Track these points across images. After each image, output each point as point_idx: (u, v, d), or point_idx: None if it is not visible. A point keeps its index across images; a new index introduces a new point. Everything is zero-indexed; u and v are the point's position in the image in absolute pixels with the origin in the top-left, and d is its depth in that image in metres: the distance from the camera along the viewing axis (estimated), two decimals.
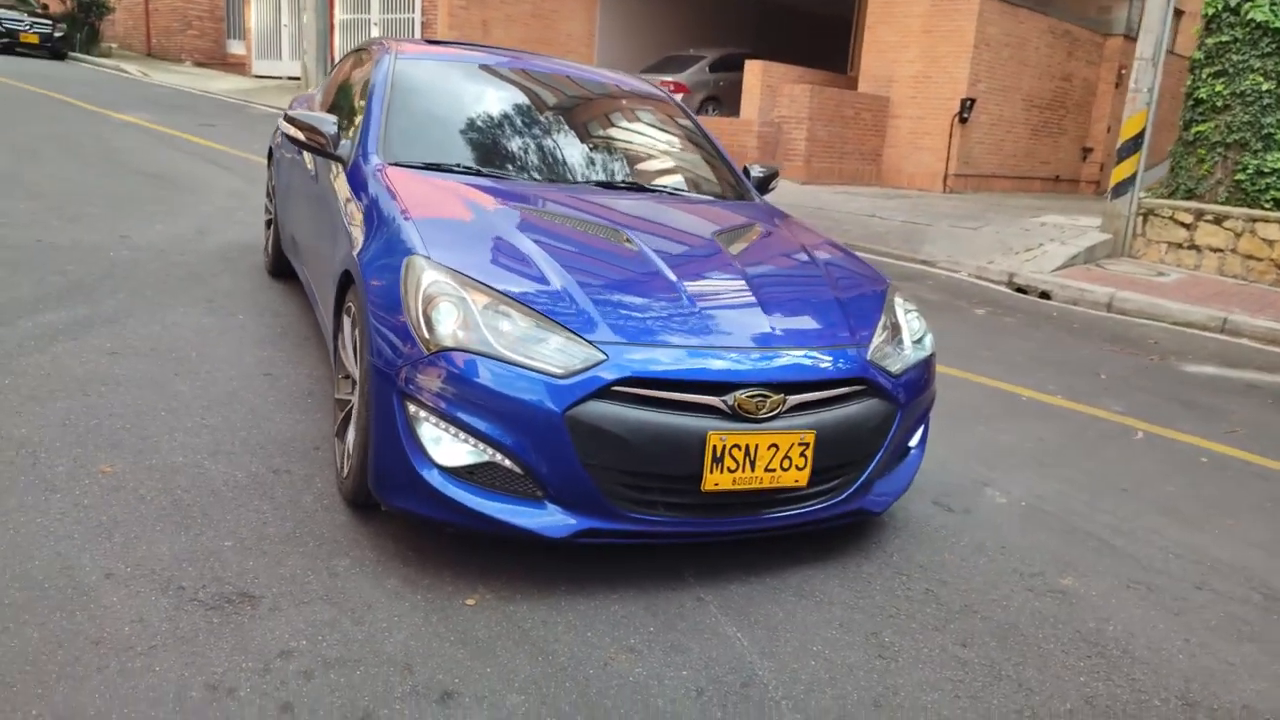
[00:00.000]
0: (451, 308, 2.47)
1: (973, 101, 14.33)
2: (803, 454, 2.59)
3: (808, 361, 2.68)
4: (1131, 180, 9.70)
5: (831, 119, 14.31)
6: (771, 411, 2.54)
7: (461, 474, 2.47)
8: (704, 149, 4.21)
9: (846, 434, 2.70)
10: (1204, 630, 2.82)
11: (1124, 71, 17.01)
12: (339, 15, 19.03)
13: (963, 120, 14.42)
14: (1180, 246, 9.65)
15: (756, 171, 4.27)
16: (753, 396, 2.52)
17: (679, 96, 16.75)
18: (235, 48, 23.84)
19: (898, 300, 3.17)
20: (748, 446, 2.51)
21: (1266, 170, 9.37)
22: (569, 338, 2.46)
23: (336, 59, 19.24)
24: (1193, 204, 9.63)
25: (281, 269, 5.18)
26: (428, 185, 3.15)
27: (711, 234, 3.22)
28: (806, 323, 2.84)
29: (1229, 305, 7.86)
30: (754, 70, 15.32)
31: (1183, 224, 9.62)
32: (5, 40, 19.20)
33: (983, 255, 9.09)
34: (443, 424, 2.44)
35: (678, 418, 2.45)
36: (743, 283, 2.88)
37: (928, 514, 3.41)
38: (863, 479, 2.82)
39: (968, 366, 5.47)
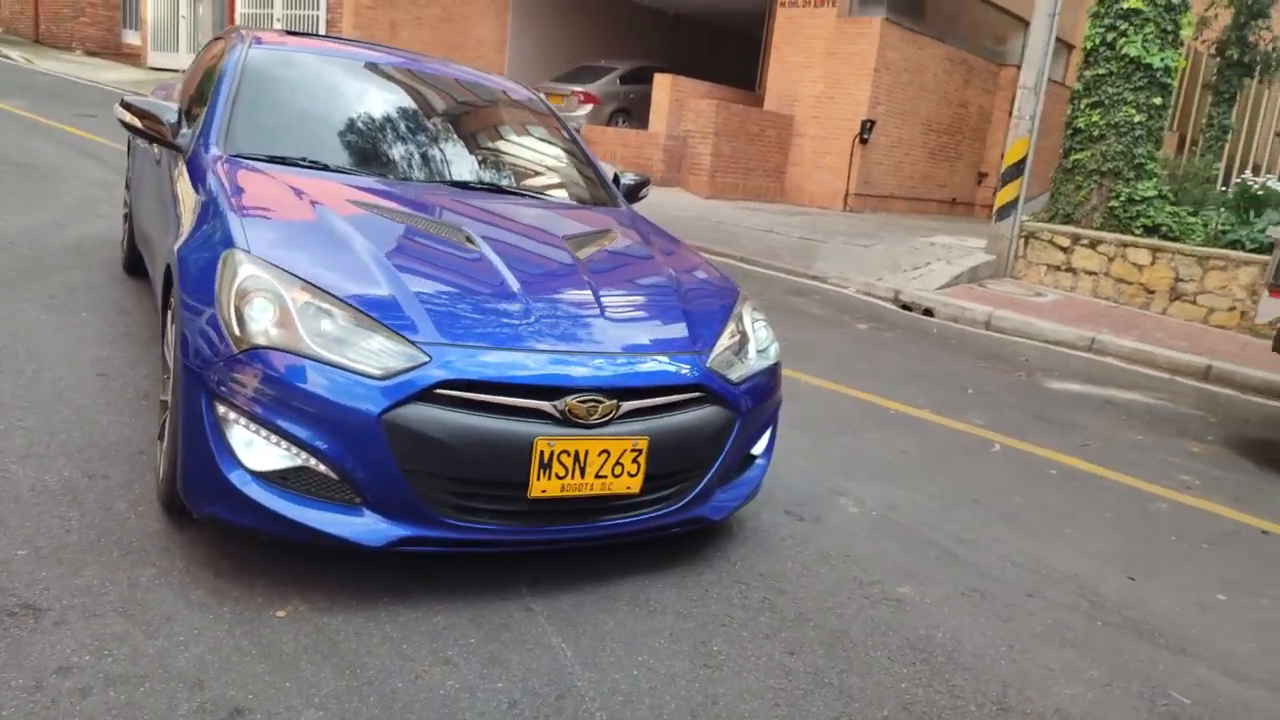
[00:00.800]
0: (267, 304, 2.36)
1: (873, 123, 14.70)
2: (635, 460, 2.56)
3: (644, 367, 2.65)
4: (1014, 204, 10.06)
5: (737, 135, 14.49)
6: (604, 417, 2.51)
7: (274, 479, 2.36)
8: (572, 154, 4.17)
9: (682, 441, 2.68)
10: (1029, 637, 2.89)
11: None
12: (240, 9, 18.46)
13: (863, 141, 14.77)
14: (1058, 269, 10.05)
15: (627, 179, 4.26)
16: (584, 402, 2.47)
17: (588, 107, 16.83)
18: (131, 38, 22.89)
19: (746, 310, 3.17)
20: (577, 453, 2.47)
21: (1138, 198, 9.84)
22: (391, 338, 2.38)
23: None
24: (1070, 228, 10.04)
25: (137, 265, 4.94)
26: (265, 179, 3.03)
27: (562, 238, 3.17)
28: (647, 329, 2.82)
29: (1098, 326, 8.20)
30: (663, 84, 15.42)
31: (1060, 247, 10.02)
32: None
33: (872, 272, 9.30)
34: (254, 426, 2.33)
35: (504, 422, 2.39)
36: (586, 287, 2.84)
37: (777, 523, 3.42)
38: (701, 486, 2.81)
39: (843, 380, 5.55)
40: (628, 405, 2.57)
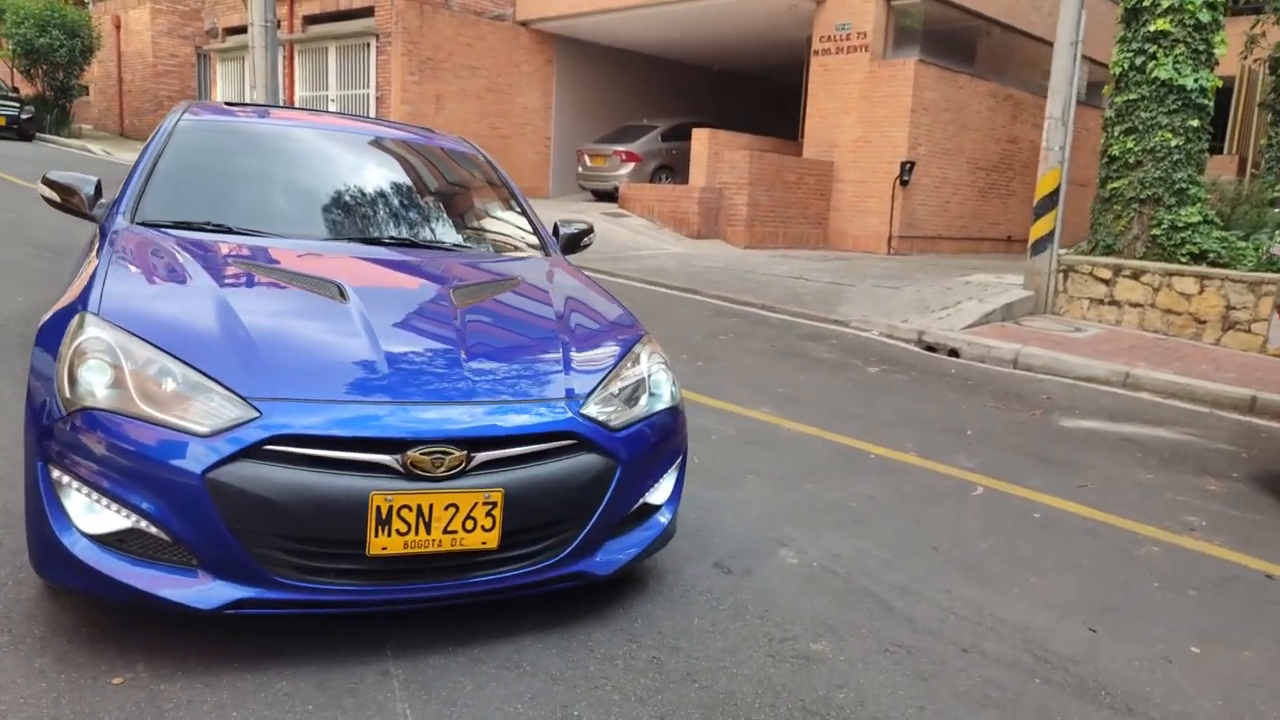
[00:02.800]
0: (103, 364, 2.36)
1: (912, 164, 14.45)
2: (489, 514, 2.45)
3: (502, 416, 2.56)
4: (1049, 237, 9.69)
5: (773, 184, 14.42)
6: (452, 470, 2.41)
7: (110, 542, 2.32)
8: (505, 206, 4.15)
9: (547, 492, 2.56)
10: (947, 696, 2.64)
11: None
12: (300, 92, 19.36)
13: (903, 183, 14.52)
14: (1101, 302, 9.59)
15: (568, 229, 4.21)
16: (429, 454, 2.39)
17: (630, 165, 17.03)
18: None
19: (645, 352, 3.05)
20: (420, 507, 2.37)
21: (1181, 225, 9.36)
22: (224, 394, 2.34)
23: None
24: (1111, 259, 9.60)
25: None
26: (156, 244, 3.07)
27: (450, 289, 3.12)
28: (514, 377, 2.72)
29: (1137, 359, 7.75)
30: (700, 138, 15.53)
31: (1102, 280, 9.58)
32: None
33: (897, 314, 9.02)
34: (85, 489, 2.31)
35: (335, 478, 2.32)
36: (453, 338, 2.77)
37: (700, 576, 3.25)
38: (580, 539, 2.68)
39: (827, 425, 5.33)
40: (482, 456, 2.47)
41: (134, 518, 2.29)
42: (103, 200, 3.46)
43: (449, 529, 2.42)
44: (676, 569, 3.29)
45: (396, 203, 3.84)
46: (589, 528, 2.68)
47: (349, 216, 3.65)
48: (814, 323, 8.85)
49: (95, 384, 2.33)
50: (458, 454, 2.42)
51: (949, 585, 3.38)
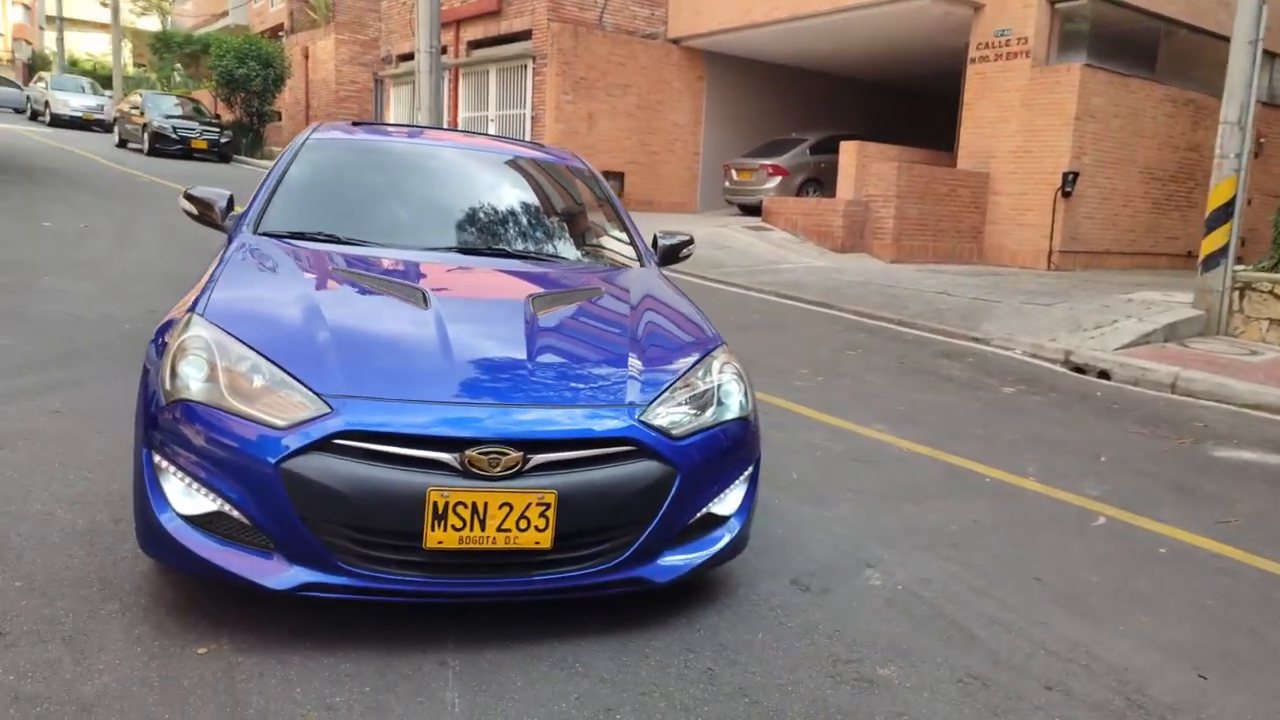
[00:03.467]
0: (200, 360, 2.58)
1: (1075, 175, 13.65)
2: (543, 515, 2.52)
3: (562, 421, 2.62)
4: (1223, 252, 8.93)
5: (923, 196, 13.96)
6: (509, 470, 2.49)
7: (200, 523, 2.53)
8: (607, 217, 4.24)
9: (601, 496, 2.60)
10: None
11: (1262, 140, 15.81)
12: (462, 113, 20.35)
13: (1066, 194, 13.73)
14: None
15: (667, 241, 4.26)
16: (486, 454, 2.48)
17: (777, 179, 16.92)
18: None
19: (719, 362, 3.05)
20: (475, 504, 2.46)
21: None
22: (303, 392, 2.51)
23: None
24: None
25: None
26: (270, 253, 3.33)
27: (529, 297, 3.21)
28: (578, 382, 2.78)
29: None
30: (848, 150, 15.24)
31: None
32: (179, 146, 21.59)
33: (1044, 333, 8.54)
34: (180, 473, 2.53)
35: (398, 473, 2.44)
36: (523, 344, 2.85)
37: (774, 591, 3.20)
38: (637, 545, 2.70)
39: (943, 445, 5.12)
40: (539, 458, 2.54)
41: (220, 501, 2.49)
42: (234, 213, 3.78)
43: (503, 527, 2.49)
44: (751, 583, 3.25)
45: (496, 214, 3.99)
46: (647, 534, 2.70)
47: (449, 227, 3.82)
48: (952, 340, 8.51)
49: (192, 378, 2.55)
50: (514, 455, 2.50)
51: (1044, 618, 3.18)
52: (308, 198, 3.80)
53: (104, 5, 35.19)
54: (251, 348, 2.61)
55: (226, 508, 2.49)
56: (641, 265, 3.97)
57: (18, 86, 34.68)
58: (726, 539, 2.95)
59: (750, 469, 3.03)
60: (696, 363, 3.00)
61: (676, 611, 2.98)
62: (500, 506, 2.48)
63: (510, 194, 4.16)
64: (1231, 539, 4.04)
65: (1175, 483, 4.81)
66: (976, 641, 2.98)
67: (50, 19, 43.61)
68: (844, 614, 3.09)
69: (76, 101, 28.98)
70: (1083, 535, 3.99)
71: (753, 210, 16.99)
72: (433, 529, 2.45)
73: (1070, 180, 13.66)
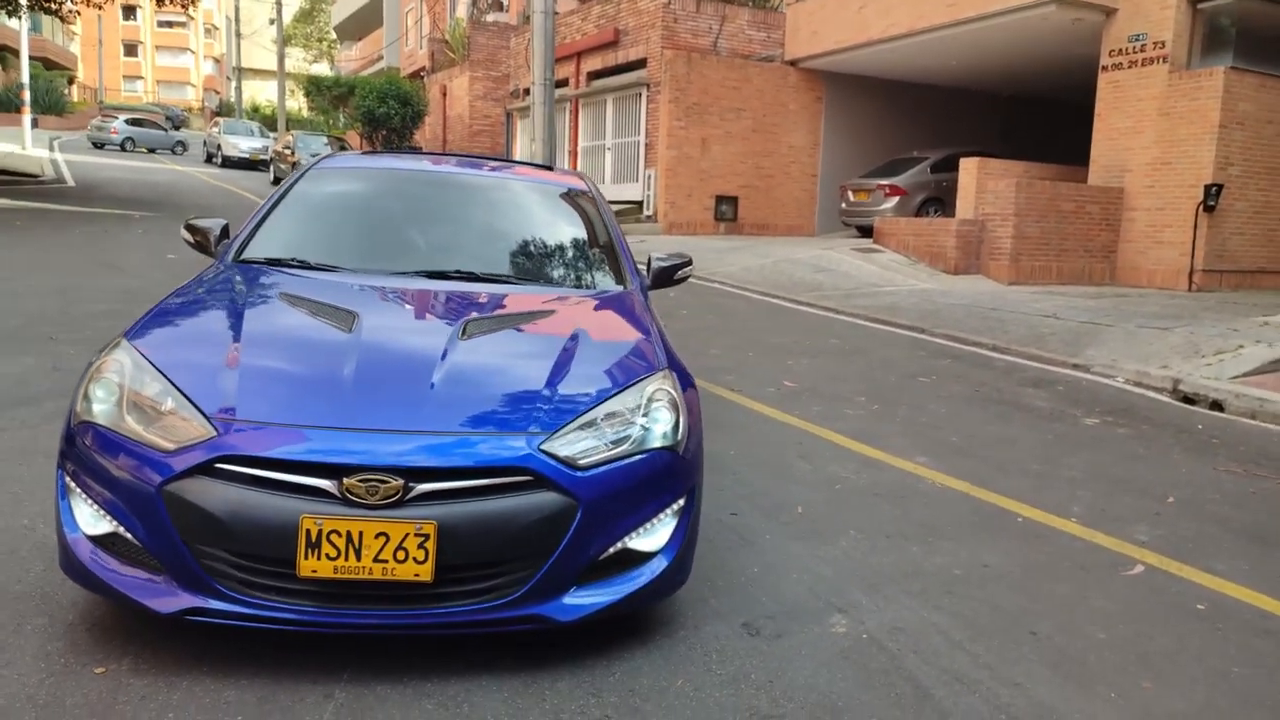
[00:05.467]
0: (111, 383, 2.64)
1: (1219, 187, 12.49)
2: (421, 546, 2.43)
3: (453, 449, 2.53)
4: None
5: (1045, 214, 13.13)
6: (388, 498, 2.43)
7: (103, 544, 2.58)
8: (596, 238, 4.13)
9: (489, 528, 2.49)
10: None
11: None
12: (582, 142, 20.74)
13: (1208, 209, 12.58)
14: None
15: (661, 262, 4.11)
16: (365, 482, 2.42)
17: (894, 200, 16.34)
18: None
19: (651, 390, 2.88)
20: (350, 534, 2.41)
21: None
22: (193, 414, 2.53)
23: None
24: None
25: None
26: (227, 279, 3.41)
27: (469, 320, 3.14)
28: (480, 408, 2.68)
29: None
30: (968, 168, 14.56)
31: None
32: None
33: (1154, 359, 7.80)
34: (84, 494, 2.59)
35: (273, 498, 2.42)
36: (434, 368, 2.78)
37: (720, 634, 2.98)
38: (535, 581, 2.57)
39: (986, 480, 4.71)
40: (423, 487, 2.46)
41: (115, 523, 2.54)
42: (225, 241, 3.91)
43: (379, 558, 2.42)
44: (697, 624, 3.05)
45: (472, 239, 3.96)
46: (545, 570, 2.57)
47: (421, 253, 3.82)
48: (1047, 366, 7.90)
49: (98, 399, 2.62)
50: (395, 483, 2.43)
51: (1022, 678, 2.83)
52: (291, 226, 3.89)
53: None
54: (158, 369, 2.66)
55: (121, 530, 2.53)
56: (624, 288, 3.84)
57: (163, 129, 37.90)
58: (647, 577, 2.77)
59: (681, 502, 2.84)
60: (622, 389, 2.85)
61: (600, 651, 2.82)
62: (376, 536, 2.41)
63: (494, 218, 4.12)
64: None
65: (1251, 530, 4.23)
66: (928, 701, 2.68)
67: (236, 69, 47.75)
68: (786, 663, 2.84)
69: (245, 144, 31.50)
70: (1107, 586, 3.55)
71: (869, 232, 16.47)
72: (306, 557, 2.40)
73: (1214, 193, 12.52)
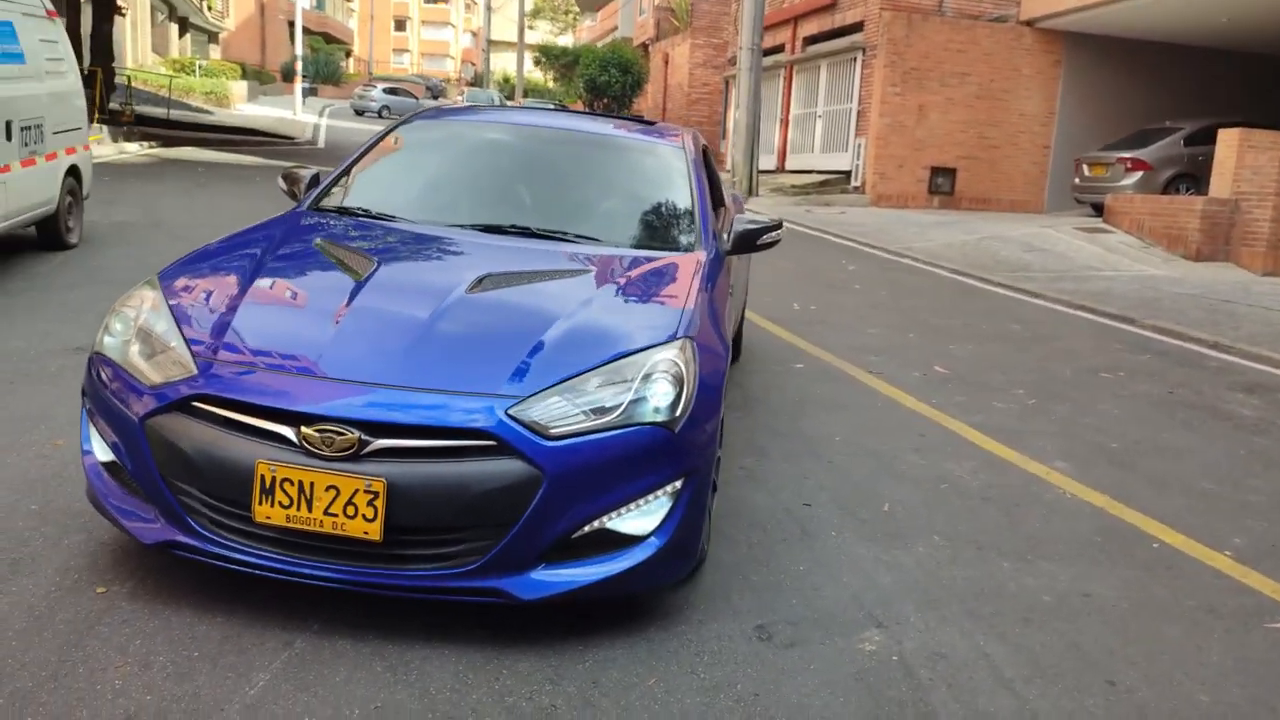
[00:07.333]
0: (126, 318, 2.73)
1: None
2: (371, 504, 2.33)
3: (415, 406, 2.40)
4: None
5: None
6: (343, 451, 2.34)
7: (111, 470, 2.69)
8: (675, 199, 3.84)
9: (445, 492, 2.35)
10: None
11: None
12: (794, 110, 20.08)
13: None
14: None
15: (743, 226, 3.77)
16: (322, 431, 2.35)
17: (1137, 174, 14.57)
18: (725, 147, 26.39)
19: (656, 359, 2.61)
20: (301, 483, 2.35)
21: None
22: (184, 351, 2.56)
23: (788, 152, 20.29)
24: None
25: None
26: (284, 225, 3.46)
27: (485, 275, 2.99)
28: (458, 365, 2.53)
29: None
30: (1226, 140, 12.64)
31: None
32: None
33: None
34: (96, 420, 2.70)
35: (234, 440, 2.40)
36: (425, 322, 2.66)
37: (726, 634, 2.69)
38: (495, 553, 2.40)
39: (1132, 496, 4.01)
40: (380, 443, 2.36)
41: (113, 452, 2.62)
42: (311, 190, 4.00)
43: (329, 511, 2.35)
44: (707, 620, 2.77)
45: (539, 193, 3.80)
46: (506, 541, 2.40)
47: (483, 205, 3.71)
48: (1275, 369, 6.71)
49: (112, 332, 2.71)
50: (350, 435, 2.34)
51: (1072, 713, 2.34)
52: (366, 176, 3.91)
53: (530, 27, 39.77)
54: (171, 311, 2.71)
55: (116, 459, 2.61)
56: (690, 252, 3.55)
57: (414, 97, 40.37)
58: (631, 563, 2.53)
59: (677, 484, 2.57)
60: (621, 356, 2.60)
61: (580, 635, 2.62)
62: (327, 489, 2.34)
63: (567, 174, 3.94)
64: None
65: None
66: None
67: (488, 42, 50.85)
68: (784, 677, 2.51)
69: None
70: (1237, 637, 2.89)
71: (1103, 210, 14.82)
72: (260, 503, 2.37)
73: None
